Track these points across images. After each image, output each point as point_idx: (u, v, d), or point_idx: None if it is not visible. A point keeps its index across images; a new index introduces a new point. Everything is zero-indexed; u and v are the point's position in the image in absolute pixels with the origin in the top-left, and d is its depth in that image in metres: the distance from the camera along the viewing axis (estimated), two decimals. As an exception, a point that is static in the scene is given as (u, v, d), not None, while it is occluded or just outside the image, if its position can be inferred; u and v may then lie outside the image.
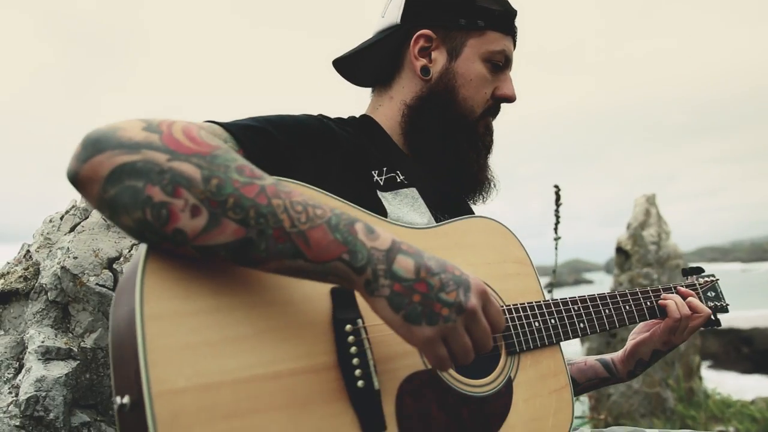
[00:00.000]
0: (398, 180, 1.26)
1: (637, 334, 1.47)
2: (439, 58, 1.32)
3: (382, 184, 1.23)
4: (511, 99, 1.36)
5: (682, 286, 1.51)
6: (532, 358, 1.15)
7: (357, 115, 1.41)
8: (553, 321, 1.20)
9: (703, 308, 1.42)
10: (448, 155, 1.32)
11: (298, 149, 1.09)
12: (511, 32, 1.35)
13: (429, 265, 0.88)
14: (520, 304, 1.17)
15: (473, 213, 1.51)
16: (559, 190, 3.04)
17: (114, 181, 0.80)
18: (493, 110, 1.37)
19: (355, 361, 0.93)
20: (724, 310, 1.61)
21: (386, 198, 1.21)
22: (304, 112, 1.22)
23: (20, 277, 1.75)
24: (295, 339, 0.90)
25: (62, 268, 1.70)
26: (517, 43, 1.41)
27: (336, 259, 0.85)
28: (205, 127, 0.98)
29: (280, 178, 0.96)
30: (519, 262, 1.22)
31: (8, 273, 1.76)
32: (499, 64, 1.33)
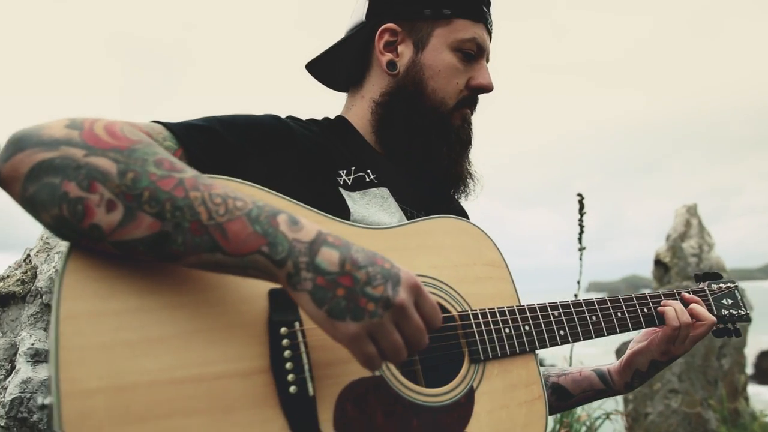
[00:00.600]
0: (367, 179, 1.21)
1: (635, 343, 1.37)
2: (406, 51, 1.27)
3: (349, 183, 1.19)
4: (487, 88, 1.29)
5: (688, 292, 1.40)
6: (500, 366, 1.07)
7: (332, 117, 1.37)
8: (527, 327, 1.12)
9: (707, 316, 1.31)
10: (420, 150, 1.26)
11: (247, 148, 1.06)
12: (482, 19, 1.28)
13: (355, 257, 0.83)
14: (489, 308, 1.09)
15: (463, 210, 1.45)
16: (582, 198, 2.93)
17: (33, 178, 0.79)
18: (469, 101, 1.31)
19: (288, 365, 0.87)
20: (745, 319, 1.49)
21: (353, 198, 1.17)
22: (269, 113, 1.19)
23: (18, 280, 1.77)
24: (224, 341, 0.86)
25: (57, 271, 1.70)
26: (492, 32, 1.34)
27: (255, 251, 0.81)
28: (138, 125, 0.95)
29: (219, 176, 0.92)
30: (491, 264, 1.15)
31: (7, 276, 1.78)
32: (471, 52, 1.26)
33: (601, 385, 1.38)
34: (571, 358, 2.94)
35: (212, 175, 0.90)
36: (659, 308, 1.31)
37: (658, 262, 4.09)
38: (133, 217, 0.78)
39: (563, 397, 1.39)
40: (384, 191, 1.22)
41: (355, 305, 0.81)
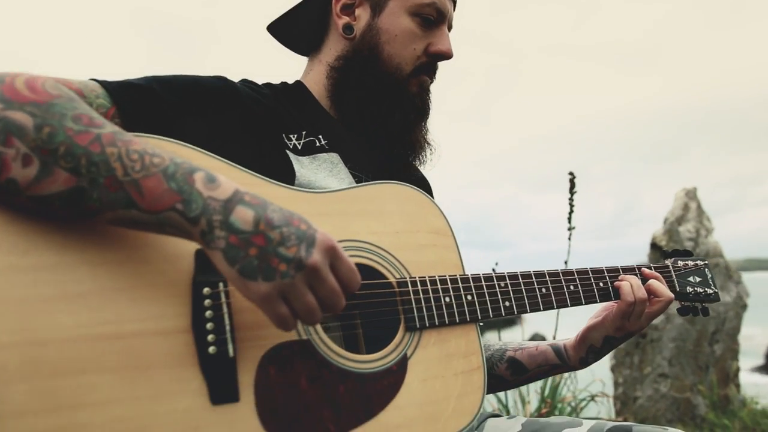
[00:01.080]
0: (318, 144, 1.20)
1: (591, 318, 1.35)
2: (363, 14, 1.25)
3: (299, 147, 1.18)
4: (446, 55, 1.27)
5: (649, 267, 1.37)
6: (437, 335, 1.06)
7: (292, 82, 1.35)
8: (469, 297, 1.10)
9: (664, 292, 1.29)
10: (374, 117, 1.25)
11: (186, 107, 1.05)
12: None
13: (271, 217, 0.83)
14: (429, 276, 1.08)
15: (423, 179, 1.43)
16: (573, 177, 2.90)
17: None
18: (427, 68, 1.28)
19: (209, 325, 0.87)
20: (713, 298, 1.47)
21: (301, 162, 1.15)
22: (217, 74, 1.18)
23: None
24: (146, 300, 0.85)
25: None
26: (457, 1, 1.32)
27: (170, 208, 0.80)
28: (71, 81, 0.94)
29: (149, 135, 0.91)
30: (436, 232, 1.13)
31: None
32: (431, 18, 1.24)
33: (557, 360, 1.37)
34: (556, 331, 2.92)
35: (140, 134, 0.89)
36: (615, 283, 1.28)
37: (654, 245, 4.05)
38: (49, 172, 0.78)
39: (519, 371, 1.38)
40: (334, 157, 1.21)
41: (267, 265, 0.80)
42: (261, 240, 0.81)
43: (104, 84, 0.99)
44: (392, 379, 0.99)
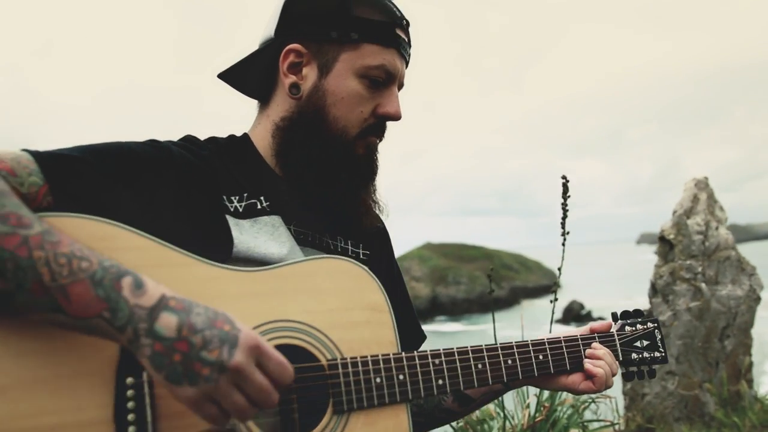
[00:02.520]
0: (259, 207, 1.20)
1: None
2: (310, 74, 1.22)
3: (240, 210, 1.17)
4: (394, 117, 1.25)
5: (593, 338, 1.35)
6: (366, 417, 1.06)
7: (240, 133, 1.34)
8: (401, 377, 1.10)
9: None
10: (320, 178, 1.23)
11: (119, 179, 1.04)
12: (393, 44, 1.22)
13: (194, 321, 0.85)
14: (361, 357, 1.08)
15: (380, 232, 1.42)
16: (567, 181, 2.82)
17: None
18: (374, 129, 1.26)
19: (131, 416, 0.89)
20: (660, 361, 1.42)
21: (241, 226, 1.15)
22: (151, 139, 1.17)
23: None
24: (67, 390, 0.87)
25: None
26: (410, 55, 1.28)
27: (96, 316, 0.83)
28: (5, 157, 0.94)
29: (80, 216, 0.92)
30: (372, 308, 1.12)
31: None
32: (379, 79, 1.22)
33: (500, 386, 1.36)
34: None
35: (68, 214, 0.92)
36: (590, 369, 1.29)
37: (663, 239, 3.97)
38: None
39: (465, 402, 1.39)
40: (276, 220, 1.20)
41: (191, 370, 0.82)
42: (184, 346, 0.83)
43: (37, 158, 0.98)
44: (316, 465, 1.00)
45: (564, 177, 2.78)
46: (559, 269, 2.89)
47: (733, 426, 3.69)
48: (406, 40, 1.26)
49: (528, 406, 3.07)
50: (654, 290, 3.92)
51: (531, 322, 3.23)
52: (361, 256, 1.34)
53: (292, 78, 1.23)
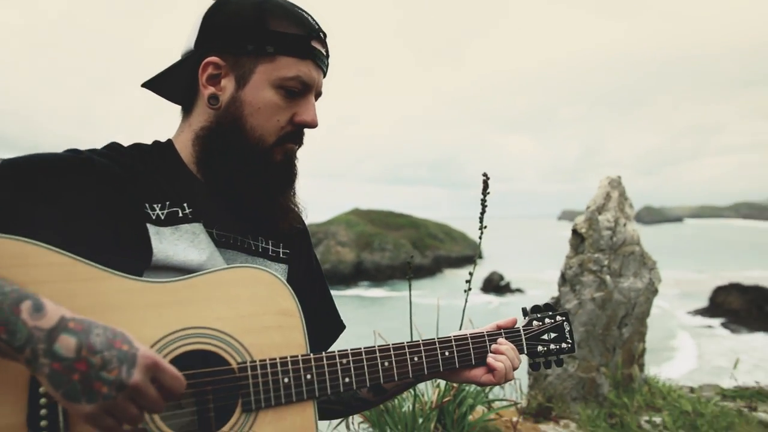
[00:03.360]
0: (180, 215, 1.24)
1: None
2: (228, 85, 1.27)
3: (162, 218, 1.21)
4: (310, 125, 1.32)
5: (500, 334, 1.45)
6: (273, 414, 1.16)
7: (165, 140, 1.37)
8: (309, 377, 1.20)
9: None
10: (240, 186, 1.28)
11: (39, 193, 1.07)
12: (309, 56, 1.28)
13: (93, 342, 0.91)
14: (270, 359, 1.17)
15: (303, 230, 1.49)
16: (487, 179, 2.96)
17: None
18: (293, 136, 1.32)
19: (43, 423, 0.95)
20: (568, 351, 1.53)
21: (162, 234, 1.20)
22: (71, 148, 1.20)
23: None
24: None
25: None
26: (327, 65, 1.35)
27: None
28: None
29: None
30: (283, 313, 1.21)
31: None
32: (295, 90, 1.28)
33: (412, 379, 1.45)
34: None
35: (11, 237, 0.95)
36: (490, 361, 1.39)
37: (575, 232, 4.22)
38: None
39: (378, 392, 1.49)
40: (197, 227, 1.25)
41: (90, 388, 0.90)
42: (83, 366, 0.89)
43: None
44: (225, 461, 1.10)
45: (485, 174, 2.91)
46: (470, 274, 3.04)
47: (623, 406, 4.01)
48: (323, 51, 1.32)
49: (438, 386, 3.26)
50: (563, 279, 4.17)
51: (453, 291, 3.37)
52: (282, 255, 1.42)
53: (211, 89, 1.27)
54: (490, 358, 1.40)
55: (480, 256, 3.20)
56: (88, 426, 0.93)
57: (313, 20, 1.30)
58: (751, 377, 5.13)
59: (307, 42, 1.27)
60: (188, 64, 1.29)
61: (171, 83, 1.35)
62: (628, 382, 4.22)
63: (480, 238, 2.96)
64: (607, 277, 4.08)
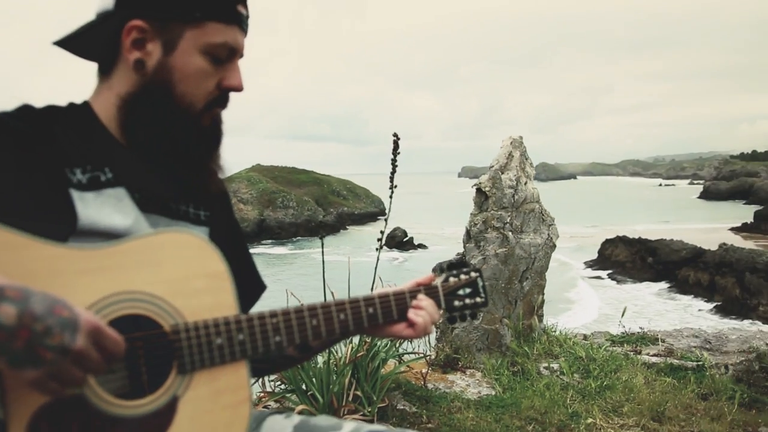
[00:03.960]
0: (103, 179, 1.21)
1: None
2: (155, 50, 1.24)
3: (84, 183, 1.18)
4: (237, 89, 1.32)
5: (420, 291, 1.50)
6: (208, 374, 1.19)
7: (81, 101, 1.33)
8: (241, 337, 1.23)
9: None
10: (167, 150, 1.28)
11: None
12: (235, 21, 1.28)
13: (33, 309, 0.90)
14: (203, 321, 1.19)
15: (224, 192, 1.50)
16: (398, 139, 3.03)
17: None
18: (219, 101, 1.32)
19: None
20: (481, 305, 1.63)
21: (85, 199, 1.17)
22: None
23: None
24: None
25: None
26: (248, 27, 1.34)
27: None
28: None
29: None
30: (212, 276, 1.23)
31: None
32: (222, 56, 1.27)
33: (338, 335, 1.45)
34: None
35: None
36: (412, 317, 1.44)
37: (479, 191, 4.39)
38: None
39: (304, 349, 1.52)
40: (120, 191, 1.23)
41: (34, 355, 0.90)
42: (26, 333, 0.89)
43: None
44: (162, 420, 1.12)
45: (395, 135, 2.98)
46: (379, 241, 3.11)
47: (524, 354, 4.28)
48: (246, 14, 1.31)
49: (351, 342, 3.35)
50: (468, 236, 4.35)
51: (357, 248, 3.43)
52: (202, 218, 1.42)
53: (137, 54, 1.24)
54: (411, 313, 1.46)
55: (387, 215, 3.27)
56: (31, 390, 0.93)
57: None
58: (636, 324, 5.58)
59: (233, 7, 1.27)
60: (108, 26, 1.24)
61: (86, 42, 1.30)
62: (529, 333, 4.49)
63: (390, 197, 3.04)
64: (510, 234, 4.29)
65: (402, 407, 3.37)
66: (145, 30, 1.23)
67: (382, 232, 3.16)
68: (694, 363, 4.31)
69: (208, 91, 1.29)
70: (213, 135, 1.35)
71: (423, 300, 1.50)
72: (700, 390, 3.92)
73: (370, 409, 3.18)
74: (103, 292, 1.10)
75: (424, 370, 3.81)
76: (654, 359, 4.42)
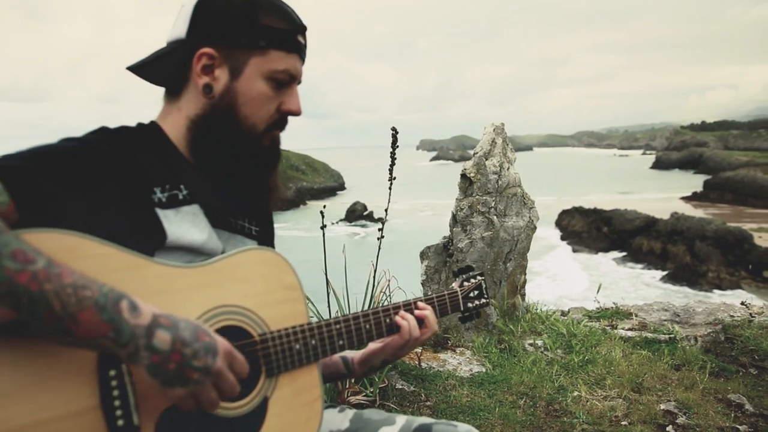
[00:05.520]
0: (180, 197, 1.32)
1: (374, 344, 1.64)
2: (222, 76, 1.35)
3: (164, 201, 1.28)
4: (295, 113, 1.44)
5: (444, 295, 1.70)
6: (289, 376, 1.35)
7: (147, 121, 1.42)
8: (314, 342, 1.39)
9: (433, 324, 1.61)
10: (233, 169, 1.39)
11: (68, 189, 1.12)
12: (295, 49, 1.39)
13: (183, 336, 1.05)
14: (284, 329, 1.34)
15: (270, 221, 1.63)
16: (396, 132, 3.15)
17: None
18: (278, 124, 1.44)
19: (116, 402, 1.08)
20: (486, 305, 1.85)
21: (167, 216, 1.27)
22: (77, 139, 1.22)
23: None
24: (59, 387, 1.03)
25: None
26: (305, 56, 1.46)
27: (103, 336, 0.99)
28: None
29: (50, 229, 1.03)
30: (288, 288, 1.38)
31: None
32: (283, 81, 1.39)
33: (344, 370, 1.69)
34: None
35: (35, 229, 1.01)
36: (396, 320, 1.56)
37: (464, 176, 4.56)
38: None
39: (348, 367, 1.70)
40: (195, 208, 1.34)
41: (183, 376, 1.05)
42: (178, 357, 1.04)
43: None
44: (257, 418, 1.28)
45: (393, 128, 3.10)
46: (386, 210, 3.26)
47: (510, 332, 4.51)
48: (304, 43, 1.43)
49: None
50: (455, 221, 4.53)
51: (317, 223, 3.49)
52: (253, 233, 1.55)
53: (206, 79, 1.34)
54: (396, 317, 1.58)
55: (386, 206, 3.41)
56: (178, 405, 1.09)
57: (297, 16, 1.41)
58: (591, 292, 5.83)
59: (294, 36, 1.39)
60: (179, 53, 1.35)
61: (157, 68, 1.40)
62: (513, 311, 4.72)
63: (390, 188, 3.17)
64: (494, 218, 4.49)
65: (401, 386, 3.56)
66: (215, 57, 1.34)
67: (382, 225, 3.30)
68: (666, 336, 4.60)
69: (269, 114, 1.41)
70: (272, 155, 1.47)
71: (424, 309, 1.63)
72: (673, 361, 4.21)
73: (372, 390, 3.36)
74: (206, 306, 1.24)
75: (418, 350, 4.00)
76: (629, 333, 4.70)
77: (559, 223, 45.02)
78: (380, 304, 3.78)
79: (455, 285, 1.81)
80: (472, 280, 1.82)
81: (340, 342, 1.45)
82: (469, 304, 1.77)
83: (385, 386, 3.49)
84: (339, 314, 1.65)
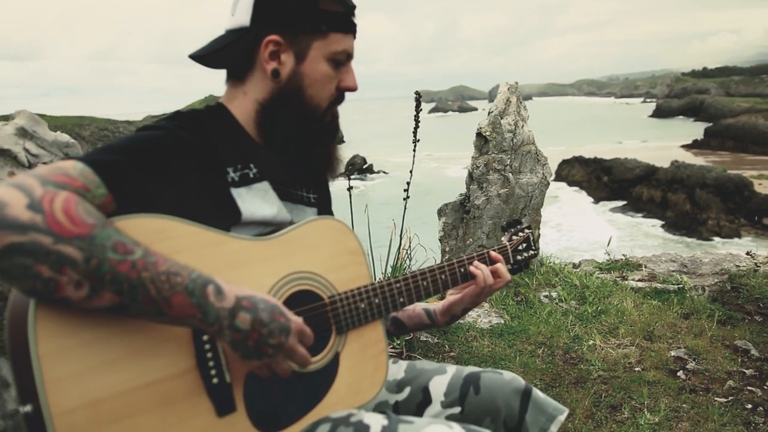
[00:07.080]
0: (251, 175, 1.41)
1: (451, 294, 1.79)
2: (288, 60, 1.43)
3: (237, 180, 1.38)
4: (353, 89, 1.53)
5: (495, 250, 1.82)
6: (357, 333, 1.47)
7: (213, 103, 1.51)
8: (377, 301, 1.51)
9: (505, 274, 1.73)
10: (300, 145, 1.48)
11: (158, 178, 1.21)
12: (352, 30, 1.48)
13: (262, 317, 1.17)
14: (350, 290, 1.46)
15: (327, 188, 1.73)
16: (419, 96, 3.22)
17: (5, 257, 0.96)
18: (338, 100, 1.53)
19: (211, 363, 1.21)
20: (534, 256, 1.97)
21: (240, 194, 1.37)
22: (160, 129, 1.30)
23: None
24: (160, 353, 1.15)
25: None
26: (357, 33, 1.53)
27: (191, 317, 1.11)
28: (75, 177, 1.08)
29: (143, 215, 1.15)
30: (352, 253, 1.50)
31: None
32: (342, 61, 1.47)
33: (428, 321, 1.82)
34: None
35: (128, 216, 1.12)
36: (471, 269, 1.70)
37: (480, 135, 4.65)
38: (98, 294, 1.02)
39: (400, 327, 1.83)
40: (265, 185, 1.44)
41: (260, 350, 1.18)
42: (256, 335, 1.16)
43: (96, 169, 1.12)
44: (330, 372, 1.41)
45: (417, 92, 3.17)
46: (408, 183, 3.35)
47: (526, 285, 4.67)
48: (356, 24, 1.51)
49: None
50: (471, 178, 4.63)
51: None
52: (312, 200, 1.65)
53: (273, 64, 1.42)
54: (472, 267, 1.72)
55: (411, 167, 3.51)
56: (256, 372, 1.23)
57: None
58: (593, 244, 6.00)
59: (349, 18, 1.47)
60: (242, 42, 1.43)
61: (221, 57, 1.48)
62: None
63: (414, 150, 3.26)
64: (510, 175, 4.59)
65: (425, 339, 3.72)
66: (280, 43, 1.43)
67: (405, 204, 3.39)
68: (675, 286, 4.75)
69: (330, 92, 1.50)
70: (334, 129, 1.57)
71: (499, 267, 1.76)
72: (682, 310, 4.37)
73: (399, 342, 3.53)
74: (280, 274, 1.36)
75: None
76: (639, 284, 4.86)
77: (559, 173, 44.89)
78: (404, 261, 3.97)
79: (504, 239, 1.92)
80: (520, 234, 1.93)
81: (401, 299, 1.57)
82: (518, 257, 1.88)
83: (411, 338, 3.65)
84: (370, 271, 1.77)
